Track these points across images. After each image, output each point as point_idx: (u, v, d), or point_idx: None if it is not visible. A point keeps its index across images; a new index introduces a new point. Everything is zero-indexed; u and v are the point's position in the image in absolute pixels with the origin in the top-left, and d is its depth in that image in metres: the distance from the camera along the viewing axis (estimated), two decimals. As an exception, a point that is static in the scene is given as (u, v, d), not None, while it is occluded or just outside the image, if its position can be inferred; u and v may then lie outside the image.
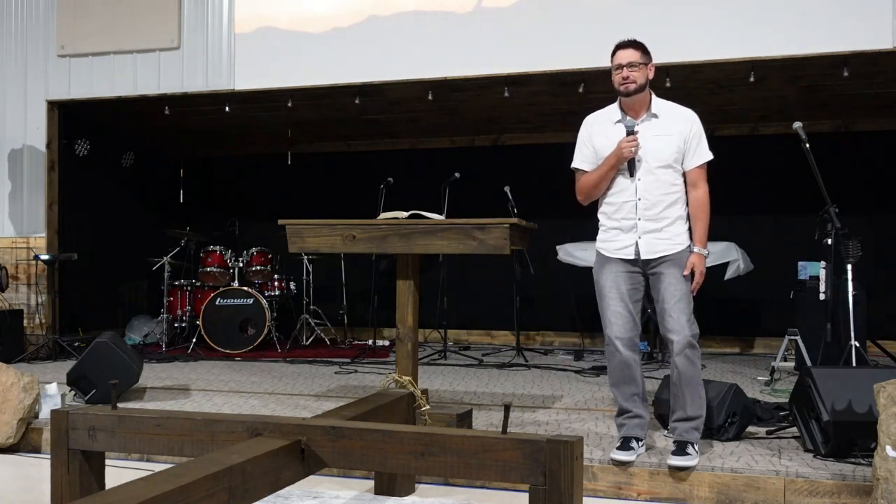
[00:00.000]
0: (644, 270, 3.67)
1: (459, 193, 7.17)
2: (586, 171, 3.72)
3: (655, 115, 3.64)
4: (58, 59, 7.38)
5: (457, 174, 6.98)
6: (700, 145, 3.64)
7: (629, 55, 3.62)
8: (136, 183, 9.08)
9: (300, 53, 6.73)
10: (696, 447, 3.60)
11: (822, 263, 5.76)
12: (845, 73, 5.90)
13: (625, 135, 3.59)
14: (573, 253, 7.12)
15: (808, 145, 4.58)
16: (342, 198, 9.09)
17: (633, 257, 3.63)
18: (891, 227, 7.73)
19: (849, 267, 4.87)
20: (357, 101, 7.06)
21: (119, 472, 3.69)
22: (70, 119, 7.70)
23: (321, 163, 9.32)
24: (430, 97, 6.76)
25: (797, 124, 4.70)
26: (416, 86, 6.68)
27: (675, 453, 3.56)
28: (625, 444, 3.65)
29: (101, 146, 8.36)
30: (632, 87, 3.59)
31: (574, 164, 3.77)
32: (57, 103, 7.49)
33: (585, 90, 6.55)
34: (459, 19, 6.41)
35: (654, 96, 3.70)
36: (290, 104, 7.12)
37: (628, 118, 3.64)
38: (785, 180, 7.84)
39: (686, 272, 3.60)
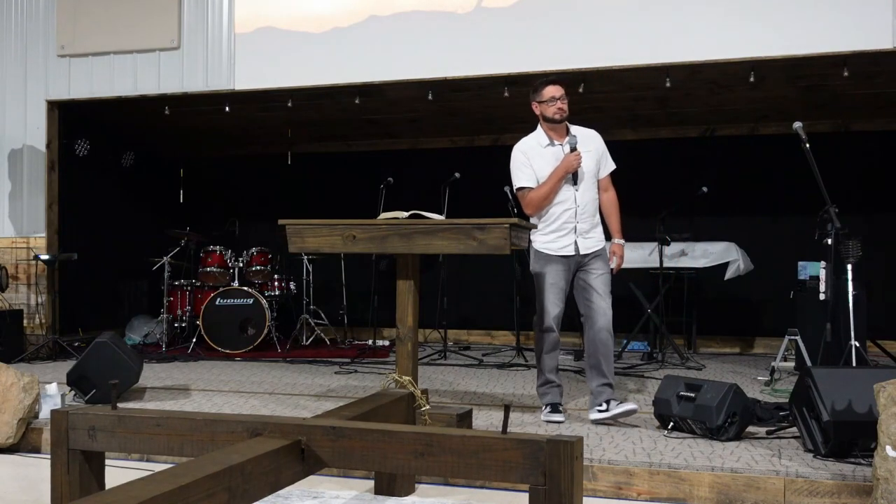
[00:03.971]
0: (577, 266, 4.40)
1: (459, 193, 7.17)
2: (532, 188, 4.37)
3: (575, 137, 4.39)
4: (58, 59, 7.38)
5: (457, 174, 6.98)
6: (608, 157, 4.53)
7: (562, 90, 4.38)
8: (136, 183, 9.08)
9: (300, 53, 6.73)
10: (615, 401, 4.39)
11: (822, 263, 5.74)
12: (845, 73, 5.90)
13: (568, 151, 4.32)
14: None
15: (808, 145, 4.59)
16: (342, 198, 9.09)
17: (572, 254, 4.37)
18: (890, 227, 7.72)
19: (849, 267, 4.87)
20: (357, 101, 7.05)
21: (119, 472, 3.69)
22: (70, 119, 7.70)
23: (321, 163, 9.31)
24: (430, 97, 6.76)
25: (797, 124, 4.70)
26: (416, 86, 6.68)
27: (604, 410, 4.30)
28: (555, 408, 4.43)
29: (101, 146, 8.35)
30: (565, 115, 4.38)
31: (521, 184, 4.40)
32: (57, 103, 7.49)
33: (585, 90, 6.55)
34: (459, 19, 6.41)
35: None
36: (290, 104, 7.12)
37: (571, 138, 4.37)
38: (785, 180, 7.84)
39: (611, 261, 4.46)
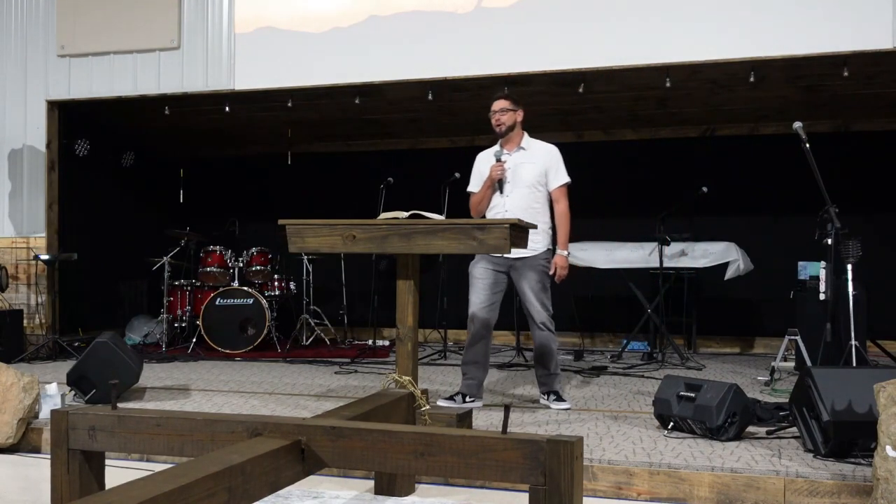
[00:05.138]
0: (506, 268, 4.73)
1: (459, 193, 7.16)
2: (475, 193, 4.86)
3: (524, 149, 4.78)
4: (58, 58, 7.38)
5: (457, 174, 6.97)
6: (559, 171, 4.77)
7: (500, 104, 4.74)
8: (136, 183, 9.08)
9: (300, 53, 6.73)
10: (563, 391, 4.99)
11: (822, 263, 5.75)
12: (845, 73, 5.90)
13: (495, 162, 4.70)
14: (573, 253, 7.11)
15: (808, 145, 4.59)
16: (342, 198, 9.08)
17: (499, 256, 4.63)
18: (890, 227, 7.72)
19: (849, 267, 4.87)
20: (357, 101, 7.06)
21: (119, 472, 3.69)
22: (70, 119, 7.69)
23: (321, 163, 9.31)
24: (430, 97, 6.76)
25: (797, 124, 4.70)
26: (416, 86, 6.68)
27: (556, 400, 4.83)
28: (452, 397, 4.79)
29: (101, 146, 8.35)
30: (503, 128, 4.74)
31: (468, 189, 4.92)
32: (57, 103, 7.49)
33: (585, 90, 6.55)
34: (459, 19, 6.41)
35: (525, 135, 4.81)
36: (290, 104, 7.12)
37: (498, 150, 4.77)
38: (785, 180, 7.84)
39: (551, 272, 4.71)
